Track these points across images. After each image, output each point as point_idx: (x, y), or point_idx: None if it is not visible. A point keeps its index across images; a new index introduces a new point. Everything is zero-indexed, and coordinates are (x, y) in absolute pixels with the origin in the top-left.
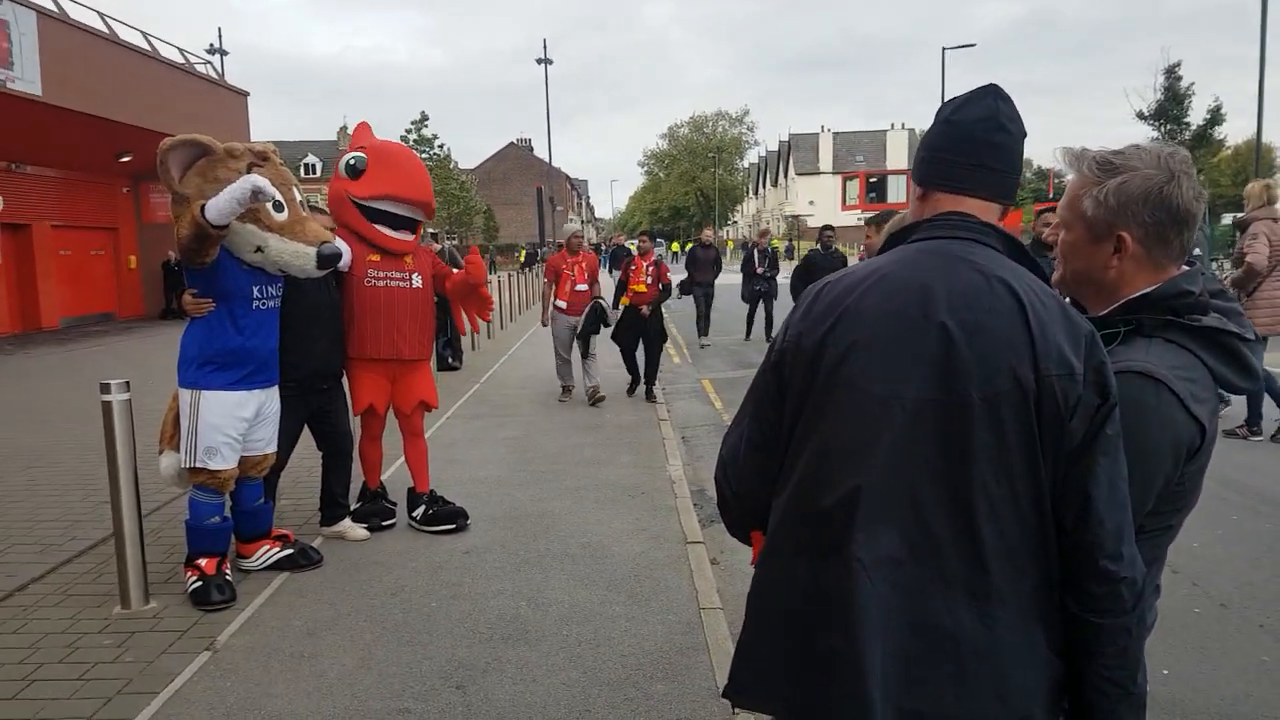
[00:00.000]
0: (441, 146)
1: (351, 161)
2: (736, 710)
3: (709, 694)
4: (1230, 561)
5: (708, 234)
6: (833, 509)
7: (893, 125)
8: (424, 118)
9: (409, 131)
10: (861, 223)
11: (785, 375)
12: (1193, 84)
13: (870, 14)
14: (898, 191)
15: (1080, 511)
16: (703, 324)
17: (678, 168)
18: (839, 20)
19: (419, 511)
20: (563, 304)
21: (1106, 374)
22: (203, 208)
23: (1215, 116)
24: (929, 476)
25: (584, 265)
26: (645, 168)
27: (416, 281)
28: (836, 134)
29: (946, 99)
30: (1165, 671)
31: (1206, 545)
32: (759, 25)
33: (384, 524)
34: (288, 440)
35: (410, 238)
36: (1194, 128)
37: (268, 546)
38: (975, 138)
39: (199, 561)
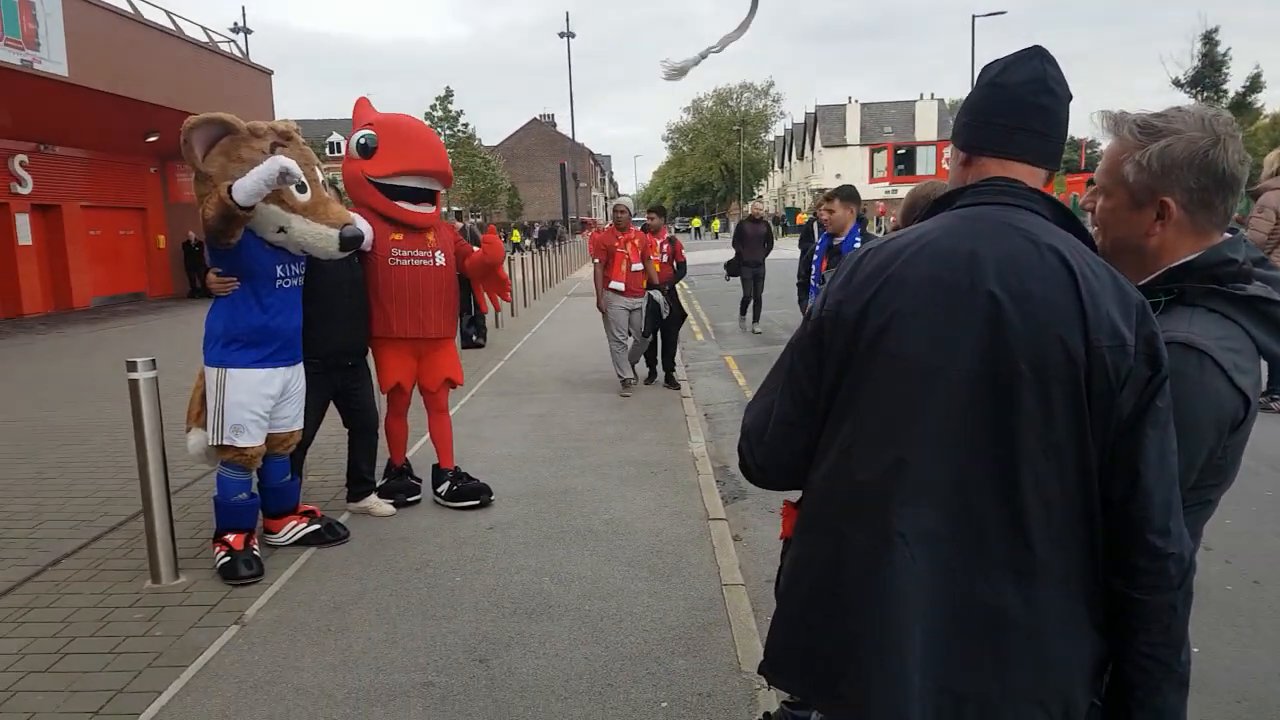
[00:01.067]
0: (466, 125)
1: (362, 140)
2: (770, 686)
3: (730, 669)
4: (1264, 539)
5: (758, 207)
6: (873, 483)
7: (921, 95)
8: (448, 94)
9: (433, 108)
10: (888, 195)
11: (825, 345)
12: (1230, 49)
13: None
14: (927, 163)
15: (1129, 486)
16: (755, 308)
17: (702, 142)
18: None
19: (444, 488)
20: (620, 285)
21: (1158, 345)
22: (230, 188)
23: (1254, 84)
24: (973, 450)
25: (636, 242)
26: (669, 142)
27: (440, 259)
28: (864, 105)
29: (989, 61)
30: (1195, 649)
31: (1240, 521)
32: None
33: (409, 500)
34: (314, 417)
35: (431, 209)
36: (1232, 95)
37: (295, 522)
38: (1023, 100)
39: (227, 537)
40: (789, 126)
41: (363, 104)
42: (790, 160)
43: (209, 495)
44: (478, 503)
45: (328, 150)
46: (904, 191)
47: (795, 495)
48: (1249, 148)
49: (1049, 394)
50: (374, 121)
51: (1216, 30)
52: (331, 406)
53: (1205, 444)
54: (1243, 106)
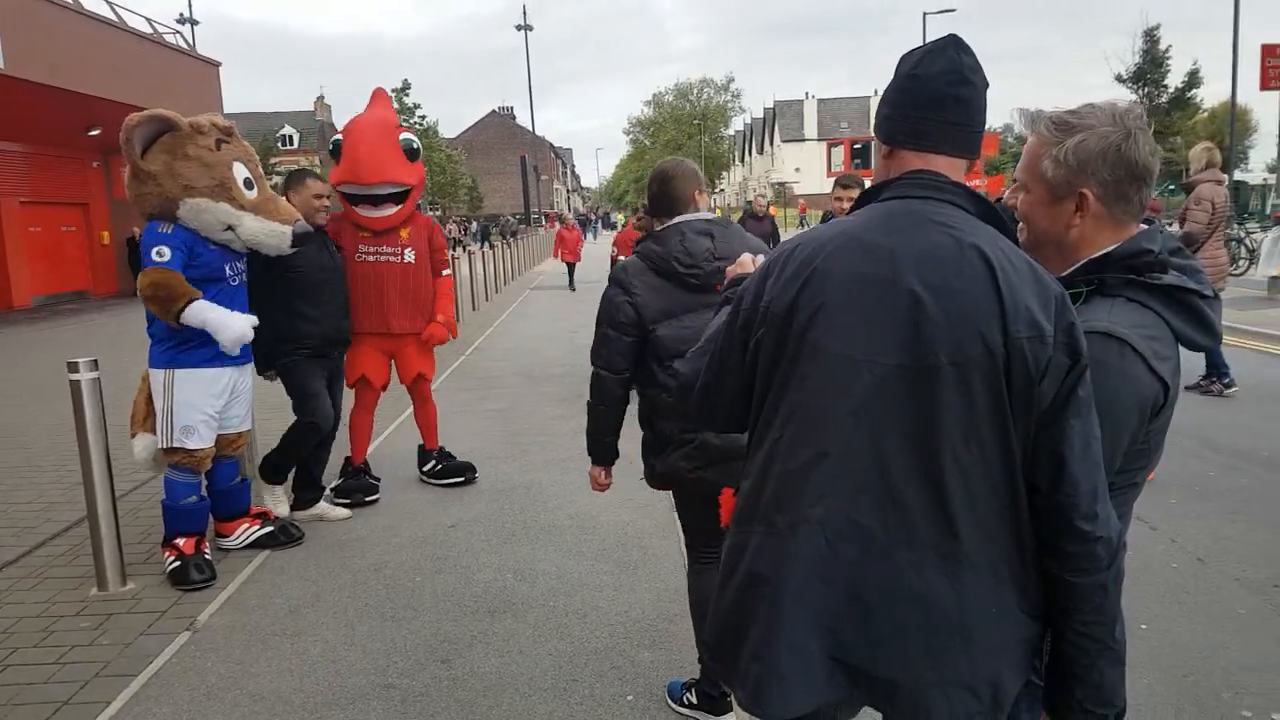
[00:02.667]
0: (424, 118)
1: (331, 146)
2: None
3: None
4: (1207, 517)
5: (760, 201)
6: (798, 473)
7: (876, 91)
8: (405, 86)
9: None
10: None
11: (753, 337)
12: (1170, 46)
13: None
14: None
15: (1054, 473)
16: None
17: (663, 135)
18: None
19: (429, 466)
20: None
21: (1077, 335)
22: (185, 308)
23: (1193, 79)
24: (897, 442)
25: None
26: (631, 135)
27: (409, 256)
28: (821, 100)
29: (906, 51)
30: (1144, 626)
31: (1183, 501)
32: None
33: (367, 500)
34: (326, 401)
35: (392, 211)
36: (1172, 90)
37: (247, 525)
38: (940, 93)
39: (177, 541)
40: (748, 121)
41: (377, 95)
42: (751, 154)
43: (157, 499)
44: (463, 479)
45: (279, 144)
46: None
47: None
48: (1189, 141)
49: (970, 386)
50: (348, 125)
51: (1158, 28)
52: (287, 408)
53: (1128, 429)
54: (1182, 101)
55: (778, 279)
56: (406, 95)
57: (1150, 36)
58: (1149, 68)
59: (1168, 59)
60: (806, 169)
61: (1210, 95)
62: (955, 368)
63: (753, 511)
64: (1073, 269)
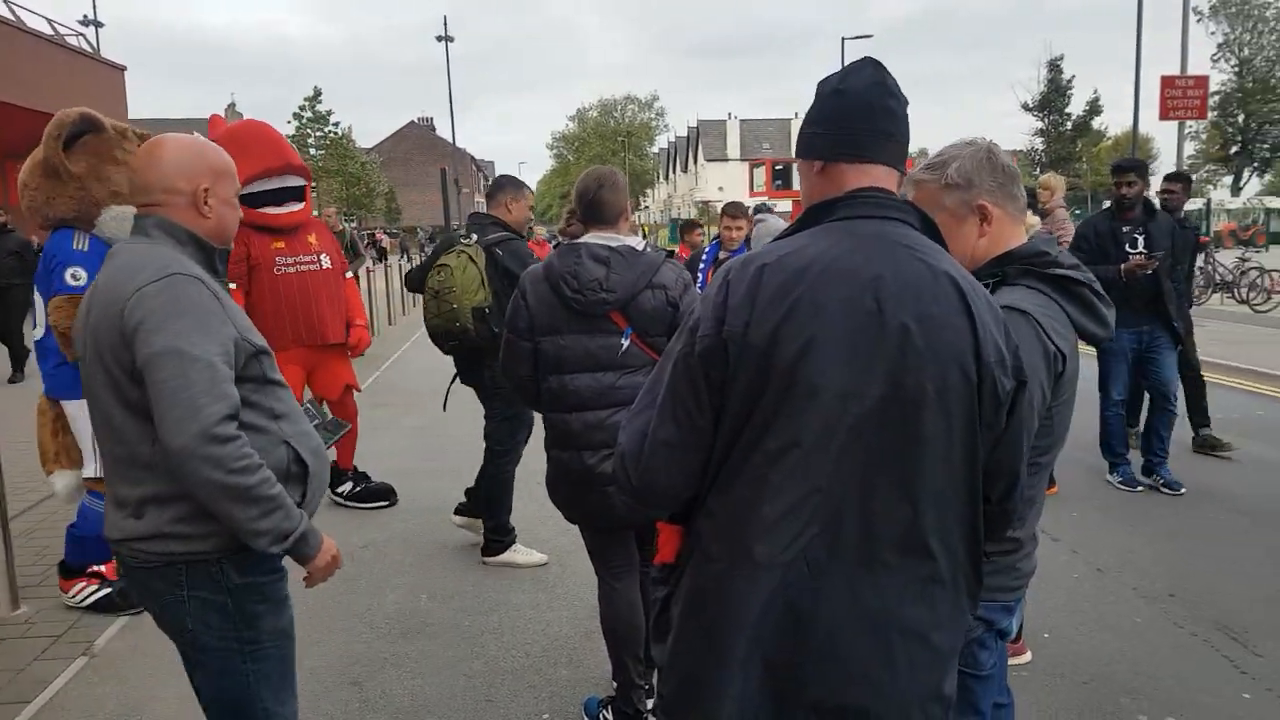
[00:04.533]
0: (337, 125)
1: None
2: None
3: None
4: (1106, 529)
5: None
6: (790, 510)
7: (796, 114)
8: (317, 94)
9: (302, 109)
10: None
11: (722, 367)
12: (1073, 77)
13: (774, 2)
14: None
15: (1009, 487)
16: None
17: (588, 151)
18: (745, 6)
19: (345, 488)
20: None
21: (1020, 357)
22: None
23: (1094, 108)
24: (881, 472)
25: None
26: (554, 150)
27: (326, 261)
28: (743, 121)
29: (823, 78)
30: (1046, 635)
31: (1084, 514)
32: (667, 8)
33: None
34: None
35: (299, 206)
36: (1074, 118)
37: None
38: (870, 104)
39: (97, 568)
40: (672, 139)
41: (215, 122)
42: (675, 172)
43: (53, 520)
44: (385, 503)
45: None
46: (783, 206)
47: (669, 517)
48: (1093, 168)
49: (950, 413)
50: (218, 137)
51: (1061, 58)
52: None
53: (1040, 387)
54: (1085, 129)
55: (747, 305)
56: (319, 103)
57: (1054, 67)
58: (1053, 96)
59: (1070, 89)
60: (730, 188)
61: (1112, 124)
62: (939, 396)
63: (725, 551)
64: (981, 266)
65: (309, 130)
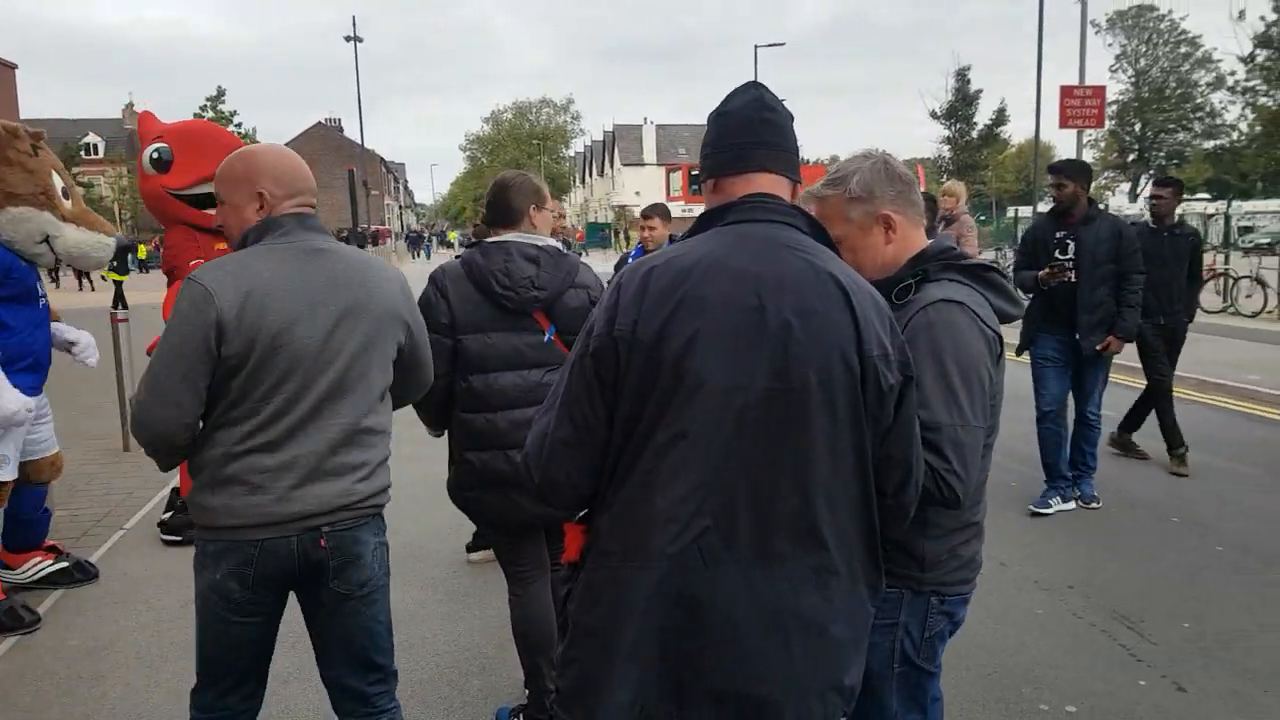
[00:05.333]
0: (240, 125)
1: (155, 155)
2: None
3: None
4: (1008, 524)
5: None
6: (680, 501)
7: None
8: (220, 93)
9: (203, 109)
10: (686, 213)
11: (613, 366)
12: (980, 91)
13: (690, 8)
14: None
15: (904, 478)
16: None
17: (503, 154)
18: (661, 11)
19: None
20: None
21: (907, 353)
22: None
23: (1000, 117)
24: (770, 463)
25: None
26: (468, 152)
27: None
28: (659, 126)
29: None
30: None
31: (988, 510)
32: (582, 11)
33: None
34: None
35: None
36: (981, 127)
37: (39, 559)
38: (748, 119)
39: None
40: (588, 143)
41: (147, 118)
42: (591, 176)
43: None
44: None
45: (83, 153)
46: (698, 210)
47: (578, 517)
48: (998, 175)
49: (835, 404)
50: (163, 133)
51: (968, 69)
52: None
53: (986, 372)
54: (992, 137)
55: (636, 304)
56: (222, 102)
57: (962, 76)
58: (961, 105)
59: (978, 98)
60: (646, 193)
61: (1017, 132)
62: (822, 387)
63: (619, 543)
64: (900, 269)
65: None
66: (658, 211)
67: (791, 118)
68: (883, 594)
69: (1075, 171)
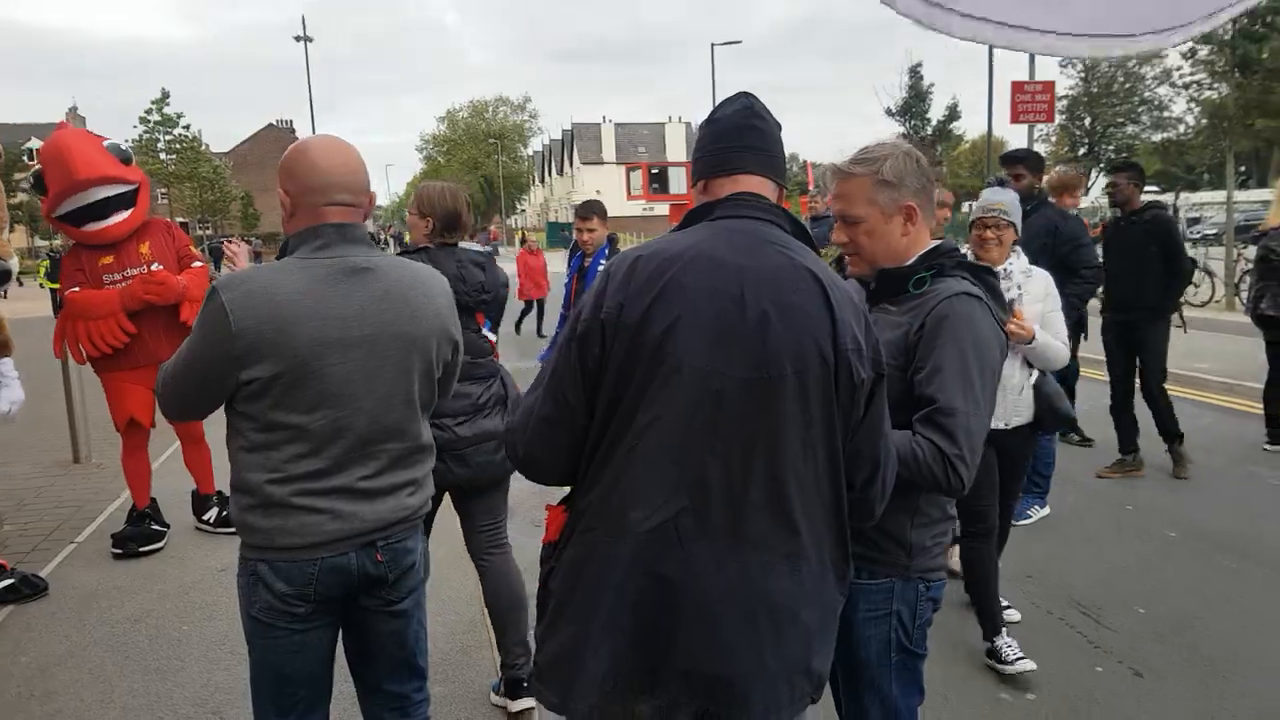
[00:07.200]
0: (188, 127)
1: (32, 180)
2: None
3: (490, 691)
4: None
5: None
6: (651, 482)
7: (670, 118)
8: (165, 95)
9: (149, 111)
10: (648, 212)
11: (598, 348)
12: (933, 85)
13: (649, 7)
14: (679, 183)
15: (871, 474)
16: None
17: (460, 154)
18: (620, 10)
19: (211, 514)
20: None
21: (880, 351)
22: None
23: (953, 113)
24: (745, 450)
25: None
26: (424, 152)
27: (157, 269)
28: (618, 125)
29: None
30: None
31: None
32: (538, 10)
33: (143, 550)
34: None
35: (125, 214)
36: (935, 123)
37: None
38: (736, 125)
39: None
40: (547, 142)
41: (60, 128)
42: (550, 175)
43: None
44: None
45: (25, 158)
46: (660, 209)
47: (559, 498)
48: (952, 171)
49: (807, 395)
50: (42, 153)
51: (920, 65)
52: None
53: (1001, 362)
54: (945, 134)
55: (622, 289)
56: (167, 104)
57: (915, 73)
58: (914, 102)
59: (931, 94)
60: (606, 191)
61: (970, 128)
62: (797, 378)
63: (601, 520)
64: (913, 260)
65: (157, 134)
66: (595, 211)
67: (779, 126)
68: (851, 580)
69: (1031, 162)
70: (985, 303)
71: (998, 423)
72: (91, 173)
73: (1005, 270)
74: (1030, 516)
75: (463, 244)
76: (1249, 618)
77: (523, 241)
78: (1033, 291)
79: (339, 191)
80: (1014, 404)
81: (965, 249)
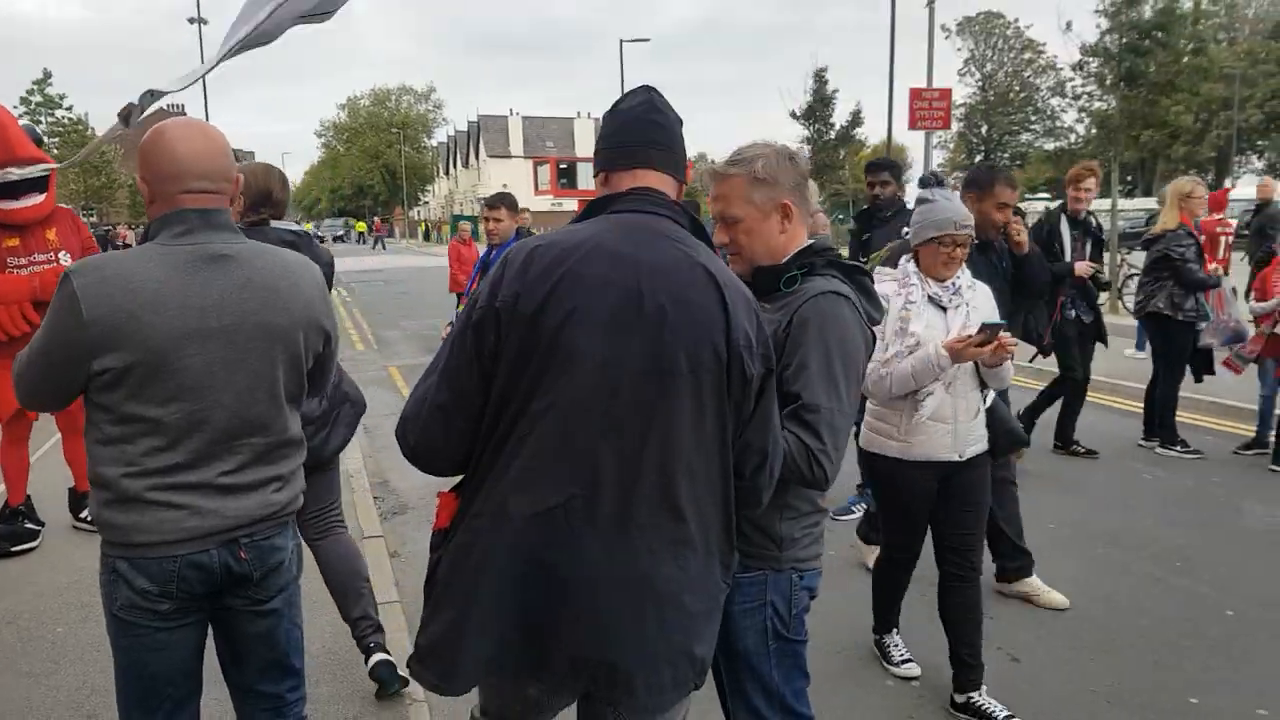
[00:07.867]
0: (70, 108)
1: None
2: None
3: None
4: (863, 502)
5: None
6: (542, 469)
7: (579, 113)
8: (47, 76)
9: (30, 93)
10: (556, 207)
11: (493, 336)
12: (837, 90)
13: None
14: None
15: (759, 464)
16: None
17: (361, 142)
18: (527, 3)
19: (88, 512)
20: None
21: (770, 348)
22: None
23: (855, 119)
24: (637, 439)
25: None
26: (323, 140)
27: (65, 259)
28: (526, 118)
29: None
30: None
31: (838, 489)
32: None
33: (15, 550)
34: None
35: (40, 198)
36: (838, 128)
37: None
38: (637, 119)
39: None
40: (452, 134)
41: None
42: (456, 167)
43: None
44: None
45: None
46: (569, 205)
47: (450, 487)
48: (854, 175)
49: (701, 387)
50: None
51: (825, 69)
52: None
53: (866, 361)
54: (848, 138)
55: (519, 278)
56: (49, 85)
57: (819, 78)
58: (819, 106)
59: (835, 99)
60: (514, 185)
61: (872, 134)
62: (692, 372)
63: (488, 506)
64: (787, 259)
65: (39, 115)
66: (504, 202)
67: (680, 122)
68: (735, 571)
69: (897, 170)
70: (854, 302)
71: (951, 454)
72: (25, 152)
73: (954, 284)
74: (855, 512)
75: (276, 223)
76: (1124, 604)
77: (454, 231)
78: (980, 306)
79: (196, 179)
80: (966, 430)
81: (911, 266)
